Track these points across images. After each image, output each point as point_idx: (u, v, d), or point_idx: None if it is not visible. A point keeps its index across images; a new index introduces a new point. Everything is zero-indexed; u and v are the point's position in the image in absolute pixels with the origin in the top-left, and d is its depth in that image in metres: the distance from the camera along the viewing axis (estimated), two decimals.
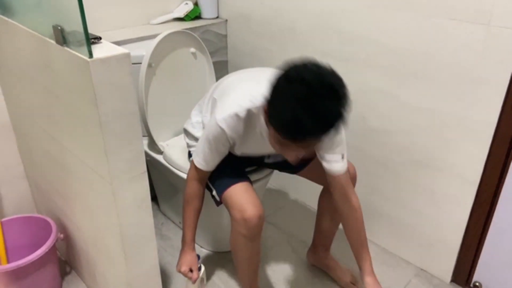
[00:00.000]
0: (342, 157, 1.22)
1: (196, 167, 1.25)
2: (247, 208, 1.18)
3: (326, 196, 1.44)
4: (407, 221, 1.60)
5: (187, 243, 1.30)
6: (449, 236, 1.50)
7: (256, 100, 1.12)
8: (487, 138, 1.29)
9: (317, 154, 1.24)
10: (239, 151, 1.28)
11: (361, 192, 1.69)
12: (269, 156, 1.40)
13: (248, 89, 1.18)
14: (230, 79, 1.30)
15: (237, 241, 1.24)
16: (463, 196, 1.41)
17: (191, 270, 1.29)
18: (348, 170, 1.26)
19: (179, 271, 1.29)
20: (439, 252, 1.55)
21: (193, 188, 1.28)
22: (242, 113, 1.13)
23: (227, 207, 1.24)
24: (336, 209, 1.37)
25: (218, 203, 1.29)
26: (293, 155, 1.09)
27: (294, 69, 0.97)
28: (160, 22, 1.84)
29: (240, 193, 1.22)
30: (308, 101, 0.93)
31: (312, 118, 0.93)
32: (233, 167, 1.32)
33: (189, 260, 1.30)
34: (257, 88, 1.10)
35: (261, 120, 1.13)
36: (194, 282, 1.29)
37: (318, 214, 1.51)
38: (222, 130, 1.14)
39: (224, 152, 1.23)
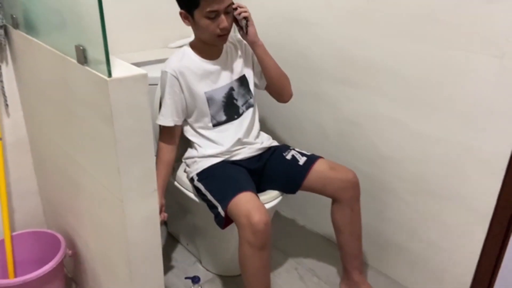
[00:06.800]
0: None
1: (161, 129, 1.39)
2: (253, 214, 1.19)
3: (336, 210, 1.44)
4: (418, 252, 1.57)
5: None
6: (460, 269, 1.46)
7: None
8: (500, 170, 1.28)
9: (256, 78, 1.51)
10: (197, 94, 1.39)
11: (371, 221, 1.68)
12: (236, 99, 1.47)
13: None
14: None
15: (245, 252, 1.24)
16: (475, 228, 1.38)
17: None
18: None
19: None
20: (450, 285, 1.51)
21: (161, 154, 1.39)
22: (177, 53, 1.41)
23: (234, 217, 1.25)
24: (352, 221, 1.40)
25: (223, 226, 1.29)
26: (223, 21, 1.30)
27: None
28: (178, 45, 1.88)
29: (245, 201, 1.23)
30: None
31: None
32: (234, 178, 1.34)
33: None
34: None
35: (192, 55, 1.40)
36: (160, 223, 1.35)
37: (336, 233, 1.49)
38: (165, 71, 1.36)
39: (180, 97, 1.37)
